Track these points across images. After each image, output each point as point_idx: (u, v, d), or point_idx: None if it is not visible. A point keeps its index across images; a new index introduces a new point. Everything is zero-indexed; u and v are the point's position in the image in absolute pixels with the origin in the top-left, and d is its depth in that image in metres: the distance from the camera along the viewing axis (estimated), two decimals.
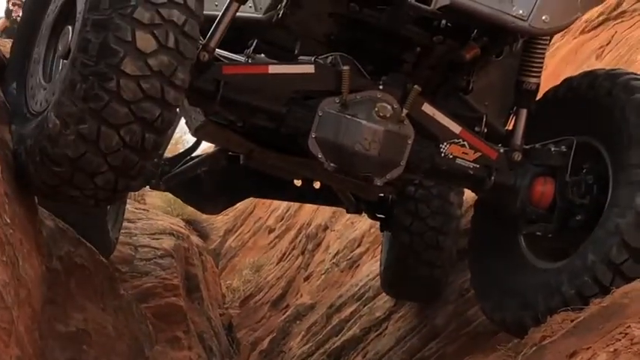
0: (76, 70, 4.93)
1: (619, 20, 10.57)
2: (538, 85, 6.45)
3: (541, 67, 6.51)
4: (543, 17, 5.80)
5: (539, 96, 6.67)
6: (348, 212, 9.18)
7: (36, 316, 5.04)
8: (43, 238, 5.70)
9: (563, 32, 10.51)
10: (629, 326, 4.38)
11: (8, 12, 15.44)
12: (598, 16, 10.97)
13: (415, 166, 6.32)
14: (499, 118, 6.95)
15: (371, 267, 10.34)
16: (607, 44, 10.55)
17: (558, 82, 7.78)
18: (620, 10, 10.61)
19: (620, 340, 4.40)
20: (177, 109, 5.38)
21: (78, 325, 6.31)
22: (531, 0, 5.67)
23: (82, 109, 4.86)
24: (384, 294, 9.54)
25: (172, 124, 5.58)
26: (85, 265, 6.75)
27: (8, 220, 4.88)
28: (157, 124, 5.00)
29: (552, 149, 6.40)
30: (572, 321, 5.19)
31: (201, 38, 5.68)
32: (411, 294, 9.03)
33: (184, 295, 9.38)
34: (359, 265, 10.89)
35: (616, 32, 10.26)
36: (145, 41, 4.90)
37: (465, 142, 6.42)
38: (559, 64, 10.44)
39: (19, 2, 15.70)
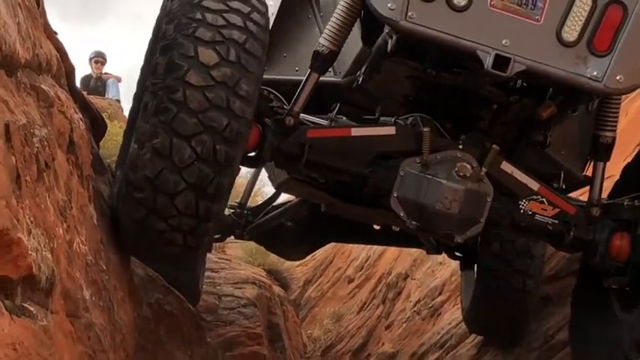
0: (148, 92, 5.64)
1: None
2: (614, 138, 6.79)
3: (616, 121, 6.85)
4: (618, 77, 6.07)
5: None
6: (428, 253, 9.59)
7: None
8: (135, 286, 6.17)
9: None
10: None
11: (86, 80, 14.79)
12: None
13: (495, 223, 6.74)
14: (576, 164, 7.35)
15: (453, 315, 10.56)
16: None
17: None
18: None
19: None
20: (247, 122, 5.82)
21: None
22: (605, 61, 5.96)
23: (154, 123, 5.51)
24: (466, 342, 9.81)
25: (242, 137, 5.88)
26: (174, 313, 7.11)
27: (104, 267, 5.29)
28: (226, 133, 5.55)
29: (625, 203, 6.77)
30: None
31: (286, 104, 6.40)
32: (494, 333, 9.47)
33: (267, 344, 9.67)
34: (440, 313, 11.08)
35: None
36: (207, 55, 5.63)
37: (544, 199, 6.82)
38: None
39: (100, 59, 15.73)
